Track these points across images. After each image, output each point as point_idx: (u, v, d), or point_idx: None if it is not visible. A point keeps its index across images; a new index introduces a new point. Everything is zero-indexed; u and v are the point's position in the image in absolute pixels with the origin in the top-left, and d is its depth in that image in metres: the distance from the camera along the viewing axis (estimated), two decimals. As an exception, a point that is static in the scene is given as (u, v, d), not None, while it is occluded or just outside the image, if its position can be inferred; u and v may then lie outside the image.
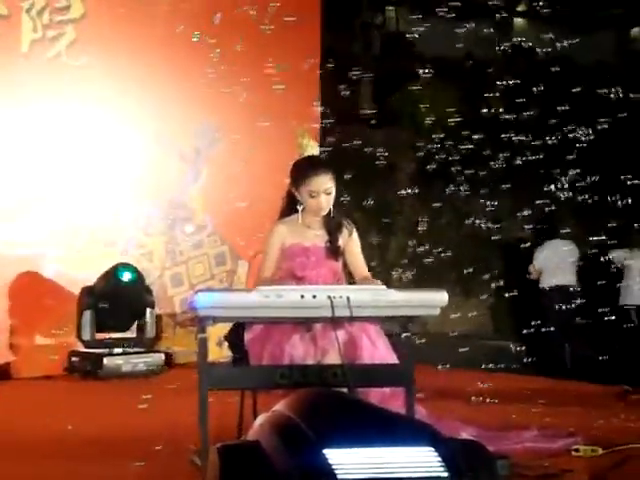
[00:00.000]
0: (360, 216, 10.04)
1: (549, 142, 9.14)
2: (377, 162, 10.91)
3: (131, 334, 7.29)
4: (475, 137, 10.39)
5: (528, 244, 10.07)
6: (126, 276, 7.12)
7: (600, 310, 8.87)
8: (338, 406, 2.41)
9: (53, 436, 4.48)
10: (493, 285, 11.23)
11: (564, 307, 8.89)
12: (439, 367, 6.82)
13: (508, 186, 9.64)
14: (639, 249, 9.20)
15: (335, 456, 2.09)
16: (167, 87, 7.97)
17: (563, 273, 9.08)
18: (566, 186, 9.28)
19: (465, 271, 11.45)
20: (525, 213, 10.72)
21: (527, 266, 9.29)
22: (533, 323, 8.79)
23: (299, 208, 3.88)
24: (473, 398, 5.52)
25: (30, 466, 3.90)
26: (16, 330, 7.08)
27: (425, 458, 2.14)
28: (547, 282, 9.14)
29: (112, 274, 7.09)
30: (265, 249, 3.93)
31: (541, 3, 8.57)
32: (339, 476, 2.04)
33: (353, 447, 2.11)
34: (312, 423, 2.18)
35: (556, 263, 9.03)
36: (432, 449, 2.16)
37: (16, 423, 4.88)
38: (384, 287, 3.46)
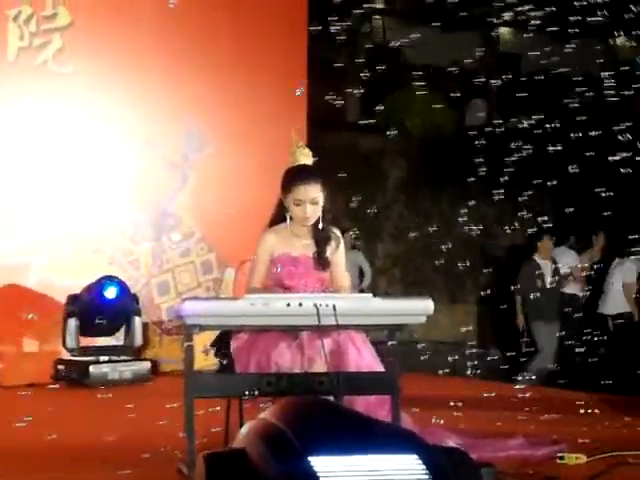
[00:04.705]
0: (347, 222, 10.08)
1: (536, 151, 9.19)
2: (365, 168, 10.96)
3: (117, 342, 7.27)
4: (463, 144, 10.43)
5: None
6: (110, 292, 7.06)
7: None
8: (323, 414, 2.42)
9: (39, 445, 4.46)
10: (480, 292, 11.28)
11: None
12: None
13: (498, 194, 9.70)
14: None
15: (320, 463, 2.09)
16: (154, 93, 7.99)
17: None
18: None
19: (452, 278, 11.50)
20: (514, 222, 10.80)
21: (511, 274, 9.32)
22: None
23: (287, 217, 3.88)
24: (459, 404, 5.53)
25: (15, 476, 3.88)
26: (2, 338, 7.06)
27: (409, 465, 2.14)
28: None
29: (96, 288, 7.04)
30: (254, 259, 3.89)
31: (527, 12, 8.64)
32: (324, 484, 2.06)
33: (338, 455, 2.13)
34: (298, 431, 2.19)
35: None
36: (416, 456, 2.17)
37: (1, 431, 4.86)
38: (370, 295, 3.47)
